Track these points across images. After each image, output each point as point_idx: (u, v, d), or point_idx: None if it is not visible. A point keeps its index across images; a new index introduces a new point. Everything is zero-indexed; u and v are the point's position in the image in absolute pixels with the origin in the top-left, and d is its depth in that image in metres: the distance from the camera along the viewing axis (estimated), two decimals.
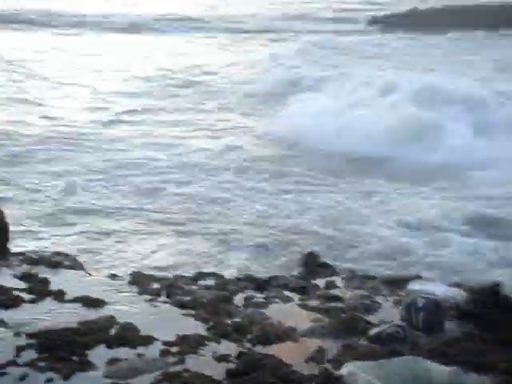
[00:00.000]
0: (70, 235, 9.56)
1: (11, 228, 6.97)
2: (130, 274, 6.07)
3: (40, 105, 18.70)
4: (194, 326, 4.92)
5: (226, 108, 19.30)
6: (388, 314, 5.25)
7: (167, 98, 20.37)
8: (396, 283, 5.95)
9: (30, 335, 4.66)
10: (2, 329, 4.75)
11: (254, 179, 12.58)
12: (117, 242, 9.23)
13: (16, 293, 5.29)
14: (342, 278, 6.16)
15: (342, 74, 21.47)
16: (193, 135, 16.13)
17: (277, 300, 5.48)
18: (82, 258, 7.20)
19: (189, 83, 22.58)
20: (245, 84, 22.55)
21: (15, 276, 5.63)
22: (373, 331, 4.86)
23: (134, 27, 39.09)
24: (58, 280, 5.58)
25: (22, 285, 5.46)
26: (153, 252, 8.86)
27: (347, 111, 16.76)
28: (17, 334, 4.67)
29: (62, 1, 48.83)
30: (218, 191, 11.81)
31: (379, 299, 5.58)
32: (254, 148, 14.84)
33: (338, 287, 5.85)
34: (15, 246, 7.00)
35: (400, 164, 13.84)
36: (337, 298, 5.53)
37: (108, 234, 9.56)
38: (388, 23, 38.57)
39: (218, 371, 4.19)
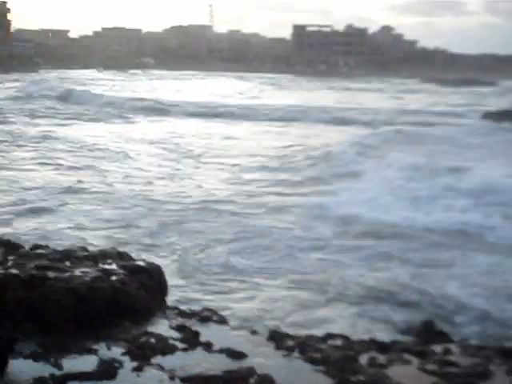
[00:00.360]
0: (211, 294, 9.74)
1: None
2: (269, 331, 6.11)
3: (189, 179, 19.52)
4: (324, 381, 4.90)
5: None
6: (501, 383, 5.01)
7: (293, 172, 20.92)
8: (508, 353, 5.67)
9: (182, 379, 4.79)
10: (160, 372, 4.92)
11: (367, 246, 12.41)
12: (256, 300, 9.33)
13: (171, 342, 5.45)
14: (457, 346, 5.94)
15: (431, 162, 20.21)
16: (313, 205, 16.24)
17: (398, 362, 5.35)
18: (225, 313, 7.32)
19: (311, 159, 23.45)
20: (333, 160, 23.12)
21: (171, 327, 5.81)
22: None
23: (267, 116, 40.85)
24: (207, 332, 5.70)
25: (177, 335, 5.62)
26: (289, 312, 8.89)
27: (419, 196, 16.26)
28: (172, 378, 4.81)
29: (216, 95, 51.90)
30: (342, 256, 11.78)
31: (492, 367, 5.33)
32: (363, 220, 14.67)
33: (454, 354, 5.65)
34: (170, 301, 7.23)
35: (484, 239, 13.27)
36: (453, 364, 5.33)
37: (247, 292, 9.69)
38: (502, 117, 35.34)
39: None
